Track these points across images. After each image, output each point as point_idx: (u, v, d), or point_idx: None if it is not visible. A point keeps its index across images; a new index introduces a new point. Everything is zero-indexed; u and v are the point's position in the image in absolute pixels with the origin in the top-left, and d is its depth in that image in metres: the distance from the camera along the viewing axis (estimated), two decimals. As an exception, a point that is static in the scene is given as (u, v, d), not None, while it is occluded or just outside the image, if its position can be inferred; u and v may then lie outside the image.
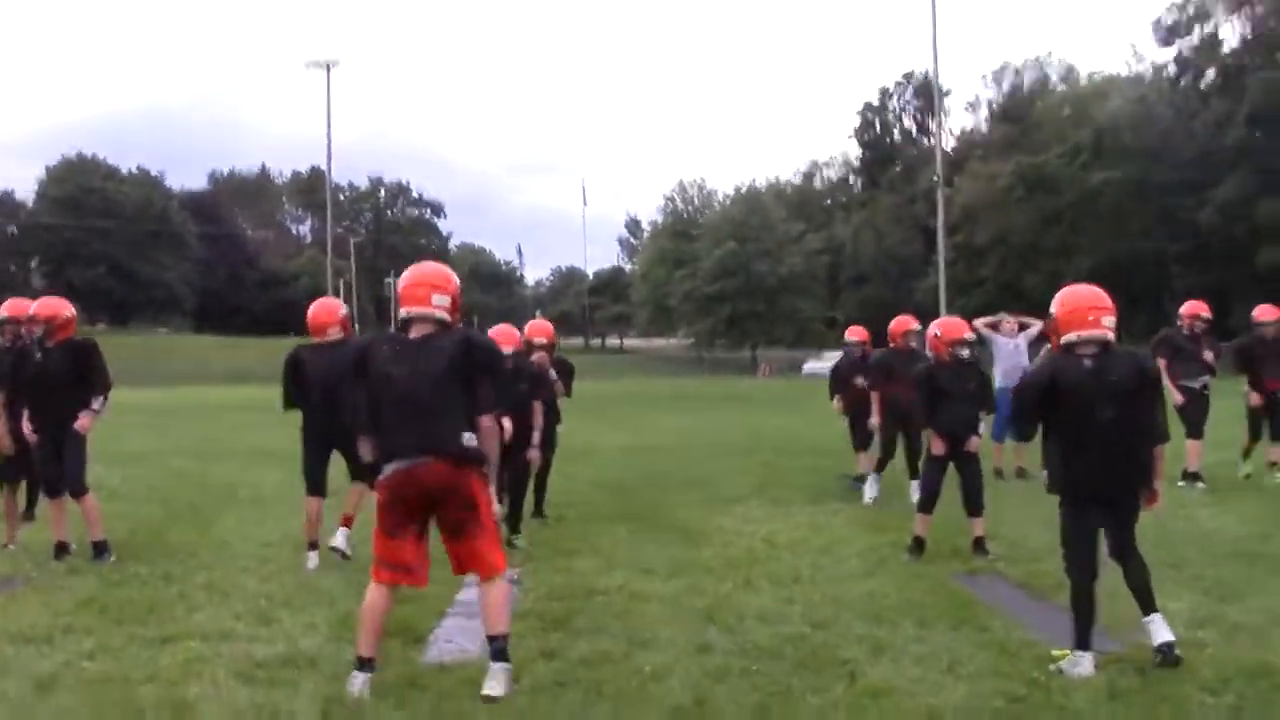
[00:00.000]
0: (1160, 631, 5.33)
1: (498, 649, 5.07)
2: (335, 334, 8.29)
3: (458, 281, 5.47)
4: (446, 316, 5.27)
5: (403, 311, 5.30)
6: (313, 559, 8.03)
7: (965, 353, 8.60)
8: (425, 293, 5.24)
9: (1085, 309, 5.41)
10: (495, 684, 4.94)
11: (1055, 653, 5.50)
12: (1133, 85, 63.55)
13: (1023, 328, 13.52)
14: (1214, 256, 54.81)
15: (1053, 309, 5.54)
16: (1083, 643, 5.34)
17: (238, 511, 10.74)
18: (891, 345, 11.36)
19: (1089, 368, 5.32)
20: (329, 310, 8.48)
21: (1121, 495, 5.45)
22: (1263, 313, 12.12)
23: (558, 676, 5.23)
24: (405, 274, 5.42)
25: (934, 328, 9.09)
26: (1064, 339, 5.44)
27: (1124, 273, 58.28)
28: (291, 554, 8.53)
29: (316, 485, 8.15)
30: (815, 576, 7.61)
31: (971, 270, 69.01)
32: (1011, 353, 13.15)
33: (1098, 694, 4.93)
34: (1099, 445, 5.31)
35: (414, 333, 5.24)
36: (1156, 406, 5.55)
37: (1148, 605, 5.42)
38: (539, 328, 9.92)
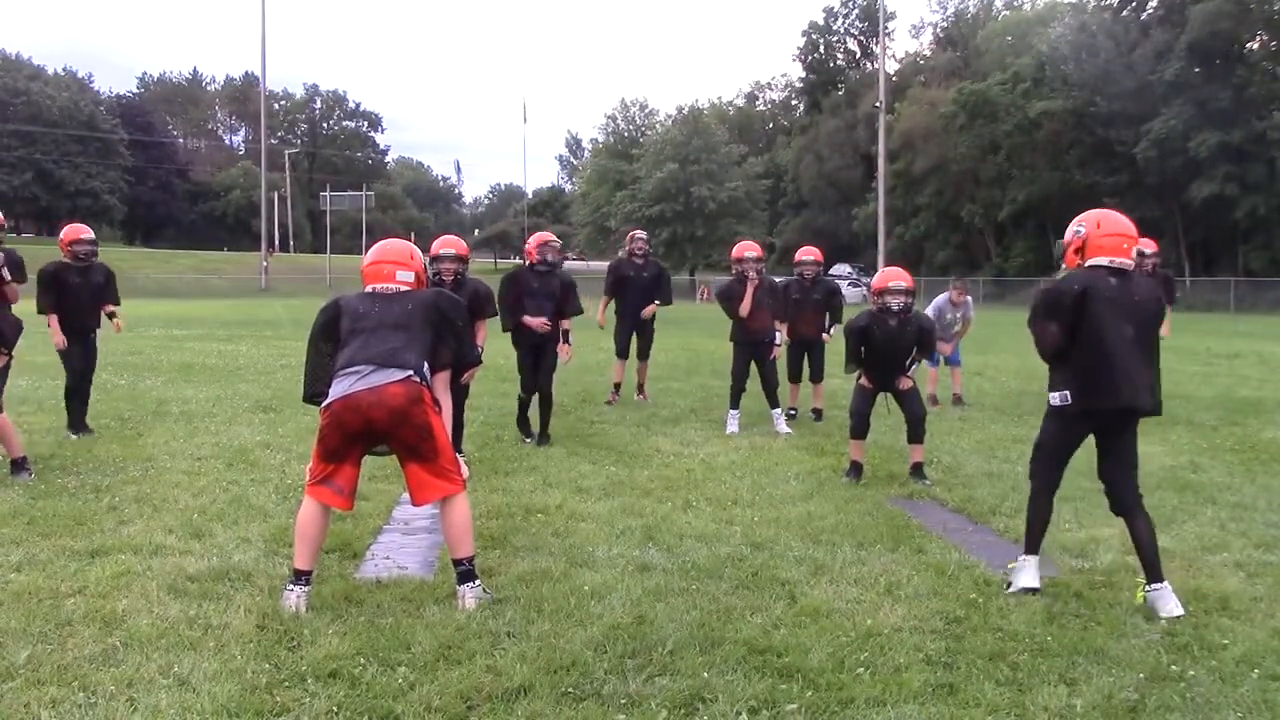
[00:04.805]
0: (1168, 604, 5.10)
1: (463, 571, 5.14)
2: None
3: (422, 256, 5.68)
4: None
5: (368, 289, 5.43)
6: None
7: (895, 303, 8.34)
8: (390, 270, 5.42)
9: (1122, 237, 5.32)
10: (466, 604, 5.04)
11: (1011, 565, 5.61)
12: (1075, 13, 63.44)
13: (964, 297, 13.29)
14: (1147, 190, 55.33)
15: (1082, 228, 5.39)
16: (1032, 547, 5.40)
17: (167, 426, 10.53)
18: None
19: (1115, 284, 5.26)
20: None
21: (1128, 414, 5.33)
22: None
23: (497, 593, 5.20)
24: (370, 253, 5.60)
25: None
26: (1091, 261, 5.32)
27: (1057, 205, 58.78)
28: (224, 469, 8.41)
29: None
30: (754, 498, 7.64)
31: (910, 198, 69.29)
32: (947, 324, 12.96)
33: (1035, 616, 4.98)
34: (1118, 360, 5.20)
35: None
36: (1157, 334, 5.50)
37: (1154, 571, 5.21)
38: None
